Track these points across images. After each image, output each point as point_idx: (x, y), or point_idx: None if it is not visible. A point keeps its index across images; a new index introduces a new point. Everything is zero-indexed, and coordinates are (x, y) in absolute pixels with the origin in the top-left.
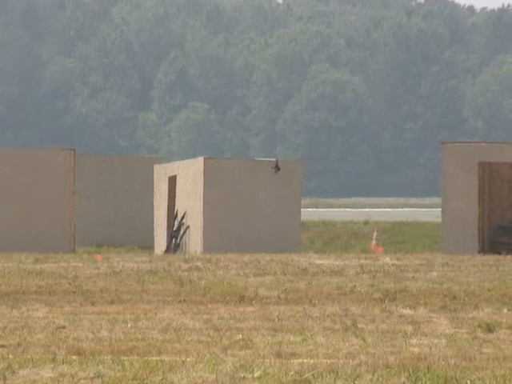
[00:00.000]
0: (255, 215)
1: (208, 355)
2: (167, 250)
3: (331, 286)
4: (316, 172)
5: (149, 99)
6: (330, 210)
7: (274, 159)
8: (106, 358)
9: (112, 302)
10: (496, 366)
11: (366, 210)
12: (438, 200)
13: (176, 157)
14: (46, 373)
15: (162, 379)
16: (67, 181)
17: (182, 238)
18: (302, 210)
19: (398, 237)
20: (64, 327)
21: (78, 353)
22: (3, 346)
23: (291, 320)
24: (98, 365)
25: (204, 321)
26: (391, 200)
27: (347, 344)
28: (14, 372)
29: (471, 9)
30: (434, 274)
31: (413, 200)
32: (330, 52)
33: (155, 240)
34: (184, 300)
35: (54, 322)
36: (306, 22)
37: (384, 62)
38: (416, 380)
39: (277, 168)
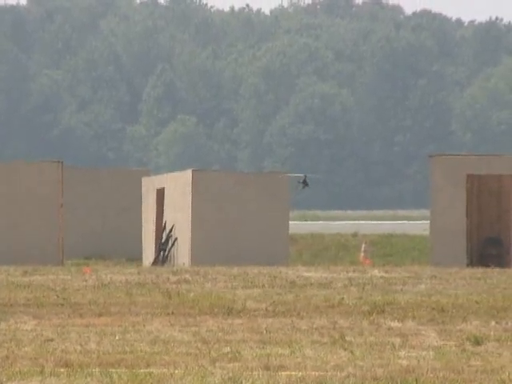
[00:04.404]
0: (243, 228)
1: (196, 367)
2: (155, 262)
3: (319, 299)
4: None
5: (137, 112)
6: (319, 222)
7: (301, 174)
8: (94, 370)
9: (100, 315)
10: (484, 379)
11: (355, 222)
12: (426, 212)
13: (164, 169)
14: None
15: None
16: (55, 193)
17: (170, 250)
18: (290, 222)
19: (386, 249)
20: (52, 340)
21: (66, 365)
22: None
23: (279, 332)
24: (86, 377)
25: (192, 333)
26: (379, 212)
27: (335, 356)
28: None
29: (459, 22)
30: (423, 286)
31: (401, 212)
32: (317, 65)
33: (143, 252)
34: (172, 312)
35: (42, 335)
36: (294, 35)
37: (372, 74)
38: None
39: (304, 183)
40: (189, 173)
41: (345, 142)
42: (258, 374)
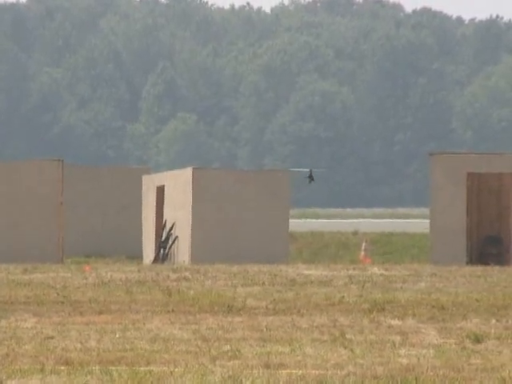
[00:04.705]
0: (243, 226)
1: (196, 366)
2: (155, 260)
3: (319, 297)
4: (304, 183)
5: (137, 110)
6: (319, 220)
7: (307, 169)
8: (94, 368)
9: (100, 313)
10: (484, 377)
11: (355, 220)
12: (426, 211)
13: (164, 167)
14: (35, 383)
15: None
16: (55, 192)
17: (170, 248)
18: (290, 220)
19: (386, 247)
20: (52, 337)
21: (67, 363)
22: None
23: (279, 330)
24: (86, 375)
25: (192, 331)
26: (379, 211)
27: (335, 355)
28: (1, 382)
29: (460, 20)
30: (423, 284)
31: (401, 211)
32: (318, 62)
33: (143, 250)
34: (172, 310)
35: (42, 333)
36: (295, 33)
37: (373, 72)
38: None
39: (310, 178)
40: (189, 171)
41: (345, 140)
42: (258, 372)
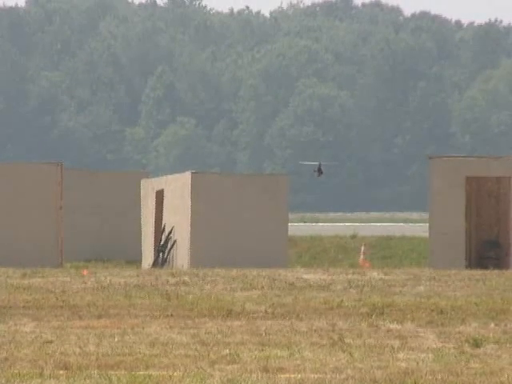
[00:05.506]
0: (242, 230)
1: (195, 370)
2: (154, 265)
3: (318, 301)
4: (303, 187)
5: (136, 114)
6: (318, 224)
7: (316, 163)
8: (93, 372)
9: (99, 317)
10: (483, 381)
11: (354, 224)
12: (425, 214)
13: (163, 171)
14: None
15: None
16: (55, 195)
17: (169, 252)
18: (289, 224)
19: (385, 251)
20: (51, 342)
21: (66, 367)
22: None
23: (278, 335)
24: (85, 379)
25: (191, 335)
26: (378, 214)
27: (334, 359)
28: None
29: (459, 23)
30: (421, 288)
31: (400, 214)
32: (317, 67)
33: (142, 254)
34: (171, 314)
35: (41, 337)
36: (294, 37)
37: (372, 76)
38: None
39: (319, 171)
40: (188, 175)
41: (344, 143)
42: (257, 376)
